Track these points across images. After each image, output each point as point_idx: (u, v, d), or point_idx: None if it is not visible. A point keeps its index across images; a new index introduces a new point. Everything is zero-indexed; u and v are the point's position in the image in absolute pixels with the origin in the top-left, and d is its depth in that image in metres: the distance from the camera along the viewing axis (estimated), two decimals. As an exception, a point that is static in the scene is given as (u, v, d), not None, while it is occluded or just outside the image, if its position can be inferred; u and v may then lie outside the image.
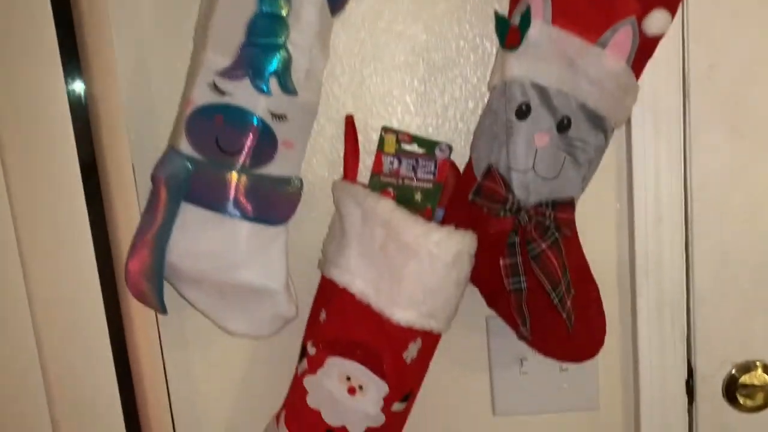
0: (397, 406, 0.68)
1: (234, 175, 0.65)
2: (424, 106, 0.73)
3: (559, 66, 0.62)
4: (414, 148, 0.71)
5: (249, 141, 0.64)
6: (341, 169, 0.73)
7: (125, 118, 0.72)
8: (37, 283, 0.74)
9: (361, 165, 0.73)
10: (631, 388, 0.78)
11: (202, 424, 0.79)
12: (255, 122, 0.64)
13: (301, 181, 0.68)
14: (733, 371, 0.76)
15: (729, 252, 0.74)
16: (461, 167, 0.71)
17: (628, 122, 0.71)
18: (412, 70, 0.72)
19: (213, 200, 0.65)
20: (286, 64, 0.63)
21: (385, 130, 0.71)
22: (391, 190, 0.71)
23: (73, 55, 0.71)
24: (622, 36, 0.61)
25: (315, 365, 0.68)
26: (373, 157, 0.72)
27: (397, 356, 0.66)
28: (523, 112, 0.63)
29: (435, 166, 0.71)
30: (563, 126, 0.63)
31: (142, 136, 0.73)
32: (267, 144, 0.65)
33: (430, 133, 0.73)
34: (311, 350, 0.69)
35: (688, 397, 0.77)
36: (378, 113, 0.73)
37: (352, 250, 0.66)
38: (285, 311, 0.69)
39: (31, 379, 0.75)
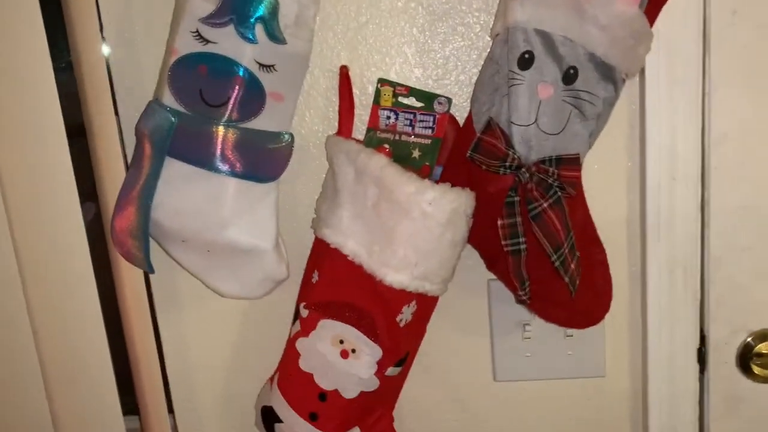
0: (391, 371, 0.66)
1: (220, 129, 0.62)
2: (424, 56, 0.68)
3: (566, 11, 0.57)
4: (411, 101, 0.67)
5: (234, 93, 0.61)
6: (336, 124, 0.69)
7: (111, 72, 0.69)
8: (25, 245, 0.72)
9: (357, 120, 0.69)
10: (640, 355, 0.75)
11: (196, 387, 0.78)
12: (240, 73, 0.60)
13: (291, 136, 0.65)
14: (749, 339, 0.72)
15: (747, 212, 0.70)
16: (462, 122, 0.67)
17: (642, 72, 0.66)
18: (411, 17, 0.68)
19: (198, 155, 0.62)
20: (273, 9, 0.59)
21: (382, 82, 0.67)
22: (387, 146, 0.68)
23: (55, 10, 0.67)
24: (635, -23, 0.56)
25: (308, 328, 0.66)
26: (369, 111, 0.68)
27: (390, 320, 0.63)
28: (525, 61, 0.58)
29: (433, 121, 0.67)
30: (569, 77, 0.59)
31: (128, 90, 0.70)
32: (254, 96, 0.61)
33: (429, 85, 0.69)
34: (304, 312, 0.67)
35: (700, 365, 0.73)
36: (375, 64, 0.69)
37: (344, 210, 0.64)
38: (275, 272, 0.66)
39: (22, 341, 0.74)
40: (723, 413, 0.75)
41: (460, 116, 0.68)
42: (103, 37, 0.68)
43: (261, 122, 0.63)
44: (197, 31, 0.60)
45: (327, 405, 0.66)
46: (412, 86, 0.67)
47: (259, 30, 0.59)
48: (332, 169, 0.66)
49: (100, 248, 0.74)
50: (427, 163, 0.68)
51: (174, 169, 0.63)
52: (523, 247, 0.61)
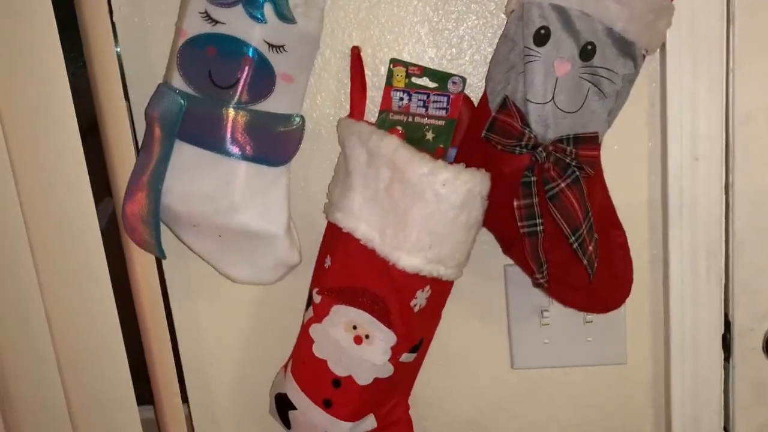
0: (406, 357, 0.65)
1: (230, 112, 0.61)
2: (437, 36, 0.67)
3: (583, -16, 0.55)
4: (425, 81, 0.66)
5: (244, 74, 0.60)
6: (348, 106, 0.68)
7: (124, 72, 0.69)
8: (38, 237, 0.72)
9: (369, 102, 0.68)
10: (662, 341, 0.73)
11: (211, 374, 0.78)
12: (250, 53, 0.59)
13: (302, 118, 0.64)
14: (776, 325, 0.70)
15: (774, 194, 0.67)
16: (477, 102, 0.65)
17: (663, 48, 0.64)
18: (423, -4, 0.66)
19: (208, 138, 0.62)
20: (282, -12, 0.58)
21: (394, 62, 0.66)
22: (400, 128, 0.67)
23: (67, 7, 0.67)
24: (655, -53, 0.54)
25: (321, 313, 0.65)
26: (381, 93, 0.67)
27: (404, 304, 0.62)
28: (541, 36, 0.57)
29: (448, 101, 0.65)
30: (587, 53, 0.57)
31: (141, 85, 0.69)
32: (264, 77, 0.60)
33: (443, 65, 0.67)
34: (317, 298, 0.66)
35: (724, 352, 0.71)
36: (387, 45, 0.67)
37: (356, 193, 0.62)
38: (287, 257, 0.65)
39: (37, 331, 0.74)
40: (750, 402, 0.72)
41: (475, 96, 0.66)
42: (114, 33, 0.68)
43: (271, 104, 0.62)
44: (206, 12, 0.59)
45: (341, 391, 0.65)
46: (426, 66, 0.66)
47: (268, 9, 0.58)
48: (344, 152, 0.65)
49: (112, 238, 0.73)
50: (442, 145, 0.66)
51: (184, 153, 0.62)
52: (540, 228, 0.59)
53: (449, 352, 0.74)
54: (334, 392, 0.65)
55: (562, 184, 0.57)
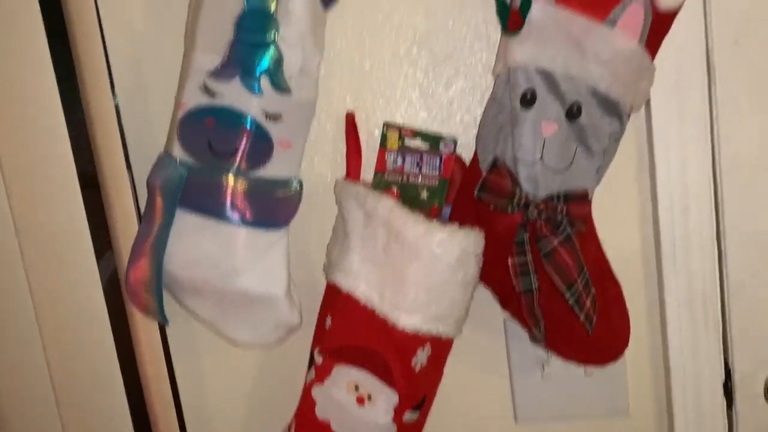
0: (409, 416, 0.65)
1: (230, 179, 0.63)
2: (428, 99, 0.69)
3: (566, 49, 0.57)
4: (418, 143, 0.68)
5: (242, 143, 0.62)
6: (344, 167, 0.70)
7: (123, 125, 0.71)
8: (41, 296, 0.73)
9: (364, 163, 0.70)
10: (663, 391, 0.73)
11: (214, 436, 0.78)
12: (247, 124, 0.61)
13: (300, 182, 0.66)
14: (777, 370, 0.70)
15: (765, 238, 0.68)
16: (468, 161, 0.67)
17: (648, 104, 0.66)
18: (413, 62, 0.69)
19: (209, 205, 0.63)
20: (278, 61, 0.60)
21: (387, 125, 0.68)
22: (395, 188, 0.68)
23: (66, 62, 0.69)
24: (633, 13, 0.56)
25: (322, 374, 0.66)
26: (376, 155, 0.69)
27: (405, 363, 0.62)
28: (528, 99, 0.59)
29: (440, 162, 0.67)
30: (573, 113, 0.59)
31: (140, 142, 0.71)
32: (262, 145, 0.62)
33: (435, 127, 0.69)
34: (318, 359, 0.66)
35: (727, 399, 0.71)
36: (380, 108, 0.70)
37: (355, 253, 0.64)
38: (288, 319, 0.66)
39: (40, 394, 0.74)
40: (755, 449, 0.72)
41: (467, 155, 0.68)
42: (112, 88, 0.70)
43: (270, 170, 0.63)
44: (204, 85, 0.61)
45: (345, 453, 0.65)
46: (418, 129, 0.68)
47: (264, 81, 0.60)
48: (342, 213, 0.66)
49: (115, 298, 0.74)
50: (436, 204, 0.68)
51: (185, 221, 0.63)
52: (535, 285, 0.60)
53: (452, 408, 0.74)
54: (338, 453, 0.65)
55: (555, 242, 0.58)
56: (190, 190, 0.63)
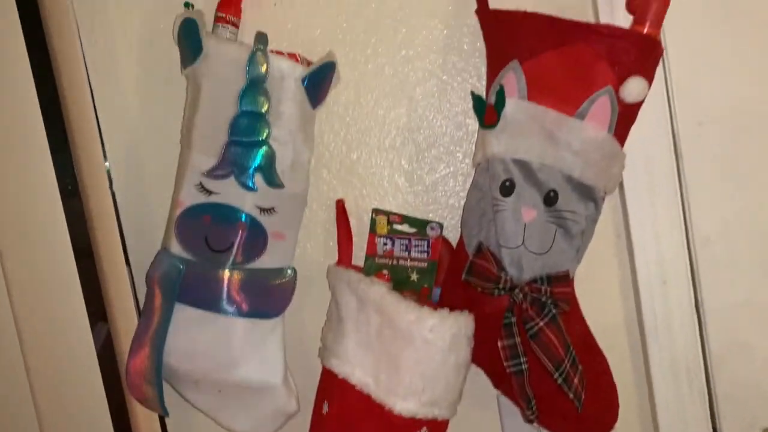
0: (408, 497, 0.66)
1: (226, 273, 0.65)
2: (414, 185, 0.73)
3: (540, 140, 0.61)
4: (405, 228, 0.71)
5: (238, 237, 0.64)
6: (336, 251, 0.73)
7: (121, 221, 0.73)
8: (41, 389, 0.74)
9: (355, 247, 0.72)
10: (656, 460, 0.74)
11: None
12: (243, 218, 0.64)
13: (294, 270, 0.68)
14: (764, 434, 0.72)
15: (742, 308, 0.71)
16: (455, 243, 0.70)
17: (621, 186, 0.70)
18: (398, 151, 0.72)
19: (206, 299, 0.65)
20: (270, 159, 0.64)
21: (376, 212, 0.71)
22: (386, 271, 0.71)
23: (65, 156, 0.72)
24: (601, 106, 0.60)
25: (321, 460, 0.67)
26: (366, 239, 0.72)
27: (402, 447, 0.64)
28: (507, 188, 0.62)
29: (428, 245, 0.70)
30: (550, 199, 0.62)
31: (139, 236, 0.73)
32: (257, 238, 0.65)
33: (421, 210, 0.73)
34: (316, 444, 0.67)
35: (718, 465, 0.73)
36: (368, 195, 0.73)
37: (349, 339, 0.66)
38: (285, 406, 0.67)
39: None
40: None
41: (454, 237, 0.71)
42: (104, 152, 0.72)
43: (265, 261, 0.66)
44: (200, 184, 0.64)
45: None
46: (405, 214, 0.71)
47: (258, 178, 0.64)
48: (335, 298, 0.68)
49: (112, 382, 0.75)
50: (426, 285, 0.71)
51: (184, 314, 0.65)
52: (525, 366, 0.62)
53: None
54: None
55: (541, 323, 0.61)
56: (188, 284, 0.65)
